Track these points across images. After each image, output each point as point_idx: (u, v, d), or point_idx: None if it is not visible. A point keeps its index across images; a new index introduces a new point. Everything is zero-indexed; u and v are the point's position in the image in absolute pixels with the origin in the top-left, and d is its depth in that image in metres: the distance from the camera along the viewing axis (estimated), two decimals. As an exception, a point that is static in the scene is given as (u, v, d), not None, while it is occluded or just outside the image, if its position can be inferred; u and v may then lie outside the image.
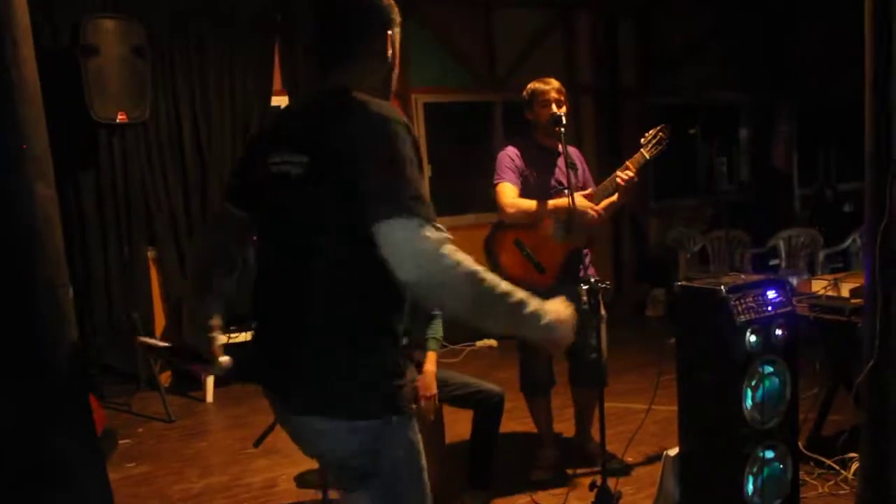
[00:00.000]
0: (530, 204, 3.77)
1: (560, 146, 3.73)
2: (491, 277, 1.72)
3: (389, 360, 1.83)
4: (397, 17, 1.97)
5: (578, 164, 3.95)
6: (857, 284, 3.74)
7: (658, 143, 3.80)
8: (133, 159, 5.90)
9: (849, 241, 7.41)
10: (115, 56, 5.24)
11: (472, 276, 1.69)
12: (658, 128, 3.84)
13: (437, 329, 3.65)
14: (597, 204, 3.77)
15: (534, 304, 1.79)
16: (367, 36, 1.92)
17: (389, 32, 1.95)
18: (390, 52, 1.96)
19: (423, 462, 1.92)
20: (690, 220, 8.78)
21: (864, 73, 2.87)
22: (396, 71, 2.01)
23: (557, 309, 1.84)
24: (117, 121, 5.29)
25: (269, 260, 1.94)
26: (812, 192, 9.65)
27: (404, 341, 1.87)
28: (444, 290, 1.69)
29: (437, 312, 3.68)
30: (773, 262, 7.67)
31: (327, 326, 1.80)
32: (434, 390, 3.46)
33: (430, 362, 3.52)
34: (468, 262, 1.70)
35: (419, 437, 1.91)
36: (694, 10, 8.31)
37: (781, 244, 7.52)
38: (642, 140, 3.83)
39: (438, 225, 1.70)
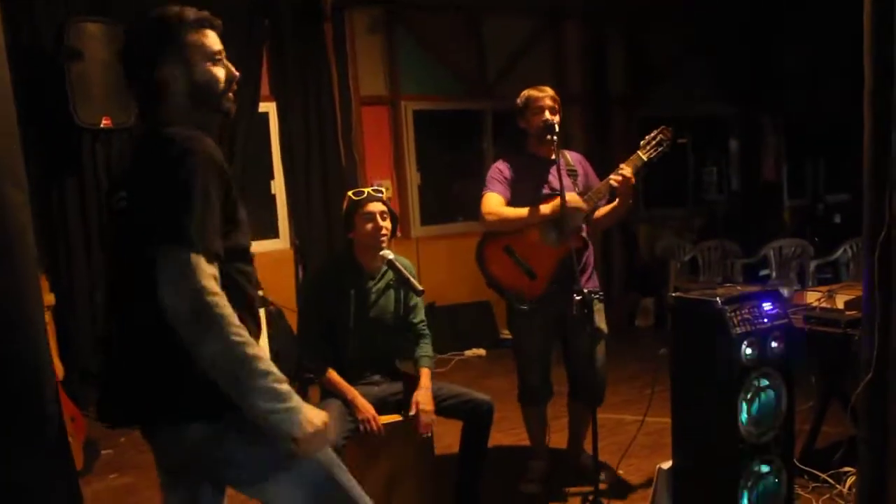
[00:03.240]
0: (512, 211, 3.70)
1: (554, 154, 3.65)
2: (246, 337, 1.76)
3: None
4: (177, 38, 1.98)
5: (580, 170, 3.86)
6: (852, 296, 3.71)
7: (658, 144, 3.68)
8: (117, 165, 5.80)
9: (839, 252, 7.39)
10: (99, 60, 5.16)
11: (224, 321, 1.73)
12: (659, 129, 3.71)
13: (427, 348, 3.60)
14: (589, 205, 3.68)
15: (284, 388, 1.79)
16: (149, 71, 1.95)
17: (174, 56, 1.96)
18: (173, 86, 1.96)
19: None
20: (680, 230, 8.77)
21: (850, 85, 2.82)
22: (203, 80, 2.00)
23: (312, 413, 1.84)
24: (101, 126, 5.21)
25: (110, 296, 2.08)
26: (803, 205, 9.67)
27: None
28: (197, 326, 1.73)
29: (425, 332, 3.64)
30: (764, 272, 7.65)
31: (151, 345, 1.87)
32: (432, 406, 3.40)
33: (426, 378, 3.48)
34: (226, 309, 1.75)
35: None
36: (682, 21, 8.31)
37: (772, 254, 7.51)
38: (642, 142, 3.71)
39: (214, 262, 1.78)
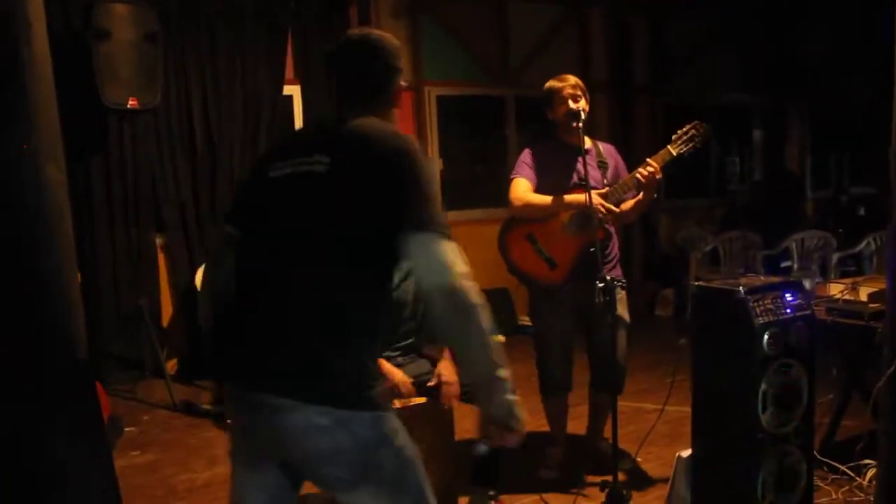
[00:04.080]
0: (539, 198, 3.72)
1: (584, 141, 3.62)
2: (489, 325, 1.86)
3: (370, 360, 1.95)
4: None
5: (611, 162, 3.85)
6: (876, 288, 3.68)
7: (690, 139, 3.63)
8: (142, 145, 5.86)
9: (862, 245, 7.33)
10: (126, 41, 5.19)
11: (479, 310, 1.84)
12: (692, 124, 3.66)
13: None
14: (613, 201, 3.66)
15: (508, 376, 1.89)
16: (386, 85, 2.18)
17: (403, 83, 2.22)
18: (398, 97, 2.21)
19: (412, 453, 2.00)
20: (701, 221, 8.73)
21: (878, 75, 2.79)
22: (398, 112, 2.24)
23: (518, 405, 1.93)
24: (128, 106, 5.24)
25: (264, 259, 2.02)
26: (827, 197, 9.59)
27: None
28: (458, 314, 1.83)
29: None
30: (785, 264, 7.61)
31: (327, 321, 1.88)
32: (455, 377, 3.42)
33: (448, 352, 3.48)
34: (478, 297, 1.85)
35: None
36: (707, 10, 8.25)
37: (794, 246, 7.45)
38: (673, 136, 3.68)
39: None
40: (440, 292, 1.82)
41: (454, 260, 1.83)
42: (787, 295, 3.06)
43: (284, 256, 1.97)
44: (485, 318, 1.84)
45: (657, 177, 3.58)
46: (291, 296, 1.92)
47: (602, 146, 3.90)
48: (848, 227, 8.17)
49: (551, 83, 3.76)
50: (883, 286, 3.68)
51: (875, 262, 7.23)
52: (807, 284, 5.29)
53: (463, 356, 1.93)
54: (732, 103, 9.16)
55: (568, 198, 3.66)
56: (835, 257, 7.28)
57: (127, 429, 4.85)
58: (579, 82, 3.74)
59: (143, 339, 5.70)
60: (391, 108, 2.19)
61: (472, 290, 1.83)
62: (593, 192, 3.52)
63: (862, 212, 9.06)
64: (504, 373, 1.87)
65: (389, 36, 2.24)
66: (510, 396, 1.89)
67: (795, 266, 7.43)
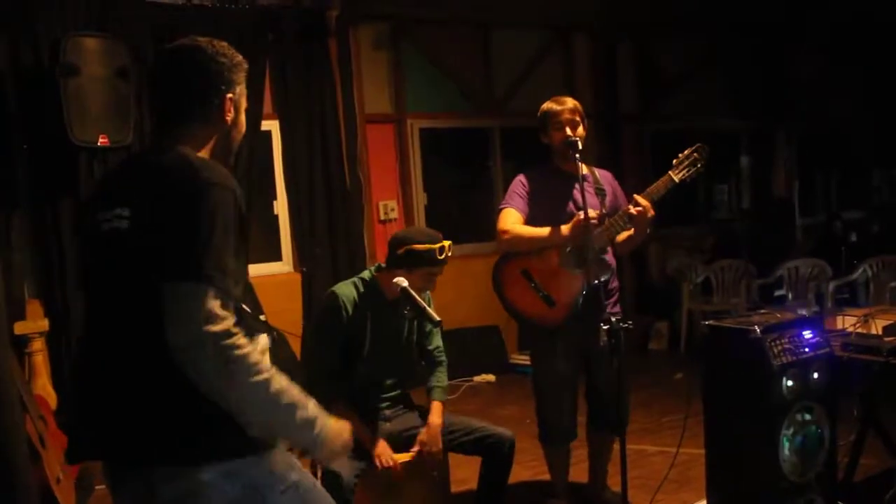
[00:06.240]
0: (530, 230, 3.49)
1: (580, 169, 3.41)
2: (267, 372, 1.68)
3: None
4: (240, 76, 1.96)
5: (608, 188, 3.65)
6: (890, 321, 3.50)
7: (692, 164, 3.46)
8: (111, 179, 5.62)
9: (858, 272, 7.19)
10: (96, 76, 4.98)
11: (244, 363, 1.65)
12: (693, 148, 3.49)
13: (441, 377, 3.41)
14: (611, 235, 3.45)
15: (312, 412, 1.76)
16: (202, 98, 1.88)
17: (230, 95, 1.91)
18: (230, 114, 1.93)
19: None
20: (690, 250, 8.57)
21: (861, 98, 2.63)
22: (239, 132, 2.00)
23: (336, 428, 1.82)
24: (98, 144, 5.02)
25: (96, 321, 1.89)
26: (815, 223, 9.52)
27: None
28: (216, 372, 1.63)
29: (441, 359, 3.43)
30: (779, 292, 7.46)
31: (156, 381, 1.73)
32: (440, 445, 3.22)
33: (436, 414, 3.27)
34: (245, 349, 1.65)
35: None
36: (693, 36, 8.21)
37: (786, 275, 7.31)
38: (674, 161, 3.50)
39: (230, 302, 1.67)
40: (194, 354, 1.62)
41: (209, 317, 1.62)
42: (805, 332, 2.88)
43: (106, 322, 1.83)
44: (252, 373, 1.66)
45: (649, 214, 3.38)
46: (115, 361, 1.78)
47: (599, 172, 3.71)
48: (841, 253, 8.03)
49: (548, 105, 3.57)
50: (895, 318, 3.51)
51: (872, 289, 7.09)
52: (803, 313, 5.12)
53: (242, 417, 1.70)
54: (720, 129, 9.04)
55: (563, 228, 3.42)
56: (831, 286, 7.12)
57: (98, 486, 4.55)
58: (577, 106, 3.54)
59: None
60: (214, 130, 1.91)
61: (233, 350, 1.63)
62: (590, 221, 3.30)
63: (854, 237, 8.93)
64: (301, 413, 1.72)
65: (218, 43, 1.95)
66: (317, 432, 1.76)
67: (790, 295, 7.28)
